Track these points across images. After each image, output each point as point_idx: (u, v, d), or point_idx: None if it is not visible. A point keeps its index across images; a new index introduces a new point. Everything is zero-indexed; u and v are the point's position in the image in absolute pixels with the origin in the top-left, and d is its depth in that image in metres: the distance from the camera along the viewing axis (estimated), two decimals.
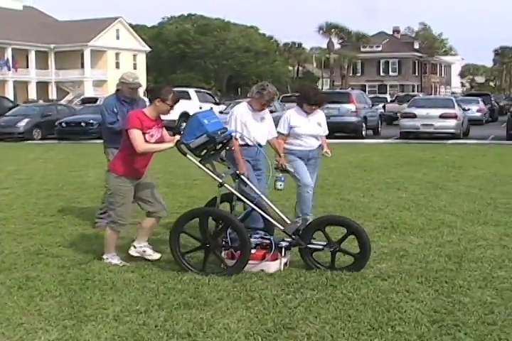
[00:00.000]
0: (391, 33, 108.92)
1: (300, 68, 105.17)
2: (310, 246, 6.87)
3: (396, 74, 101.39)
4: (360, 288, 6.09)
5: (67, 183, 13.92)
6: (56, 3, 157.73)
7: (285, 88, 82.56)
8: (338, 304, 5.66)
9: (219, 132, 6.93)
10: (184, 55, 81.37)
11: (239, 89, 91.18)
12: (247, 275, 6.55)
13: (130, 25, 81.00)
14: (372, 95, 57.30)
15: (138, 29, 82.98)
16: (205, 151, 6.90)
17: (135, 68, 77.37)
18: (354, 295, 5.88)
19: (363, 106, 29.24)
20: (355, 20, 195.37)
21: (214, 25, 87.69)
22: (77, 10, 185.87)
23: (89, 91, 69.59)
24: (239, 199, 7.09)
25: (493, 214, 9.67)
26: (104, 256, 7.25)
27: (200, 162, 6.88)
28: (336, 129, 24.94)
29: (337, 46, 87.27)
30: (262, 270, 6.73)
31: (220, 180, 6.86)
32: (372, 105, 32.58)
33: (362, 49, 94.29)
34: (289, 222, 7.10)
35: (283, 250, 6.87)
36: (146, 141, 6.83)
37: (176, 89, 9.00)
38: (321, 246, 6.90)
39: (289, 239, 6.92)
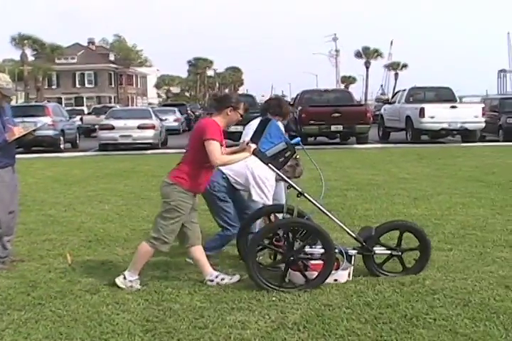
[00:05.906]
0: (86, 44, 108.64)
1: None
2: (378, 252, 6.67)
3: (92, 86, 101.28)
4: (70, 304, 5.98)
5: None
6: None
7: None
8: (48, 322, 5.51)
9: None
10: None
11: None
12: None
13: None
14: (69, 108, 57.14)
15: None
16: (281, 160, 6.32)
17: None
18: (64, 312, 5.76)
19: (60, 119, 28.84)
20: (50, 31, 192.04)
21: None
22: None
23: None
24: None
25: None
26: (128, 278, 6.42)
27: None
28: (33, 143, 24.44)
29: (31, 58, 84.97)
30: (336, 280, 6.35)
31: (300, 190, 6.38)
32: (70, 118, 32.50)
33: (57, 61, 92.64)
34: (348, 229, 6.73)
35: (352, 258, 6.55)
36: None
37: None
38: (388, 252, 6.75)
39: (350, 247, 6.64)
